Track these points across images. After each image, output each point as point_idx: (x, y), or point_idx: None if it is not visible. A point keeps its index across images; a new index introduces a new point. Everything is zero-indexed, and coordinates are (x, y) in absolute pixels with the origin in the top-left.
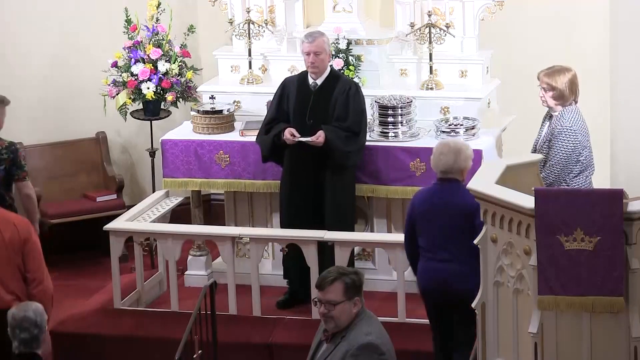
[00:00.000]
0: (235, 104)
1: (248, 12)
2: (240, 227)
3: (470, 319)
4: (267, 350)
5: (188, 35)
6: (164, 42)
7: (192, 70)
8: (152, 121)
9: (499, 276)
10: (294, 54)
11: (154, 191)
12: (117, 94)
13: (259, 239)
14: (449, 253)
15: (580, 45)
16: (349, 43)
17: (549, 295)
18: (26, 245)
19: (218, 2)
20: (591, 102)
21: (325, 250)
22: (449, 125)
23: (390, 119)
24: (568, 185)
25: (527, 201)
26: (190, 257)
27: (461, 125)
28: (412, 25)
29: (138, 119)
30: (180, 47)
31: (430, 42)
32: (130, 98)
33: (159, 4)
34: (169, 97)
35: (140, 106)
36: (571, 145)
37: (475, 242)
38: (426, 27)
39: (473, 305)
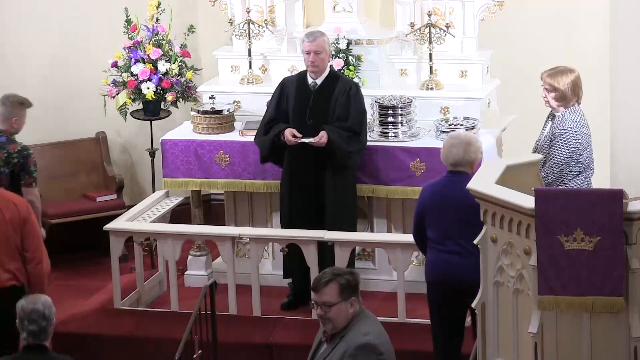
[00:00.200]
0: (235, 104)
1: (248, 12)
2: (240, 227)
3: None
4: (267, 350)
5: (188, 35)
6: (164, 42)
7: (192, 70)
8: (152, 121)
9: (499, 276)
10: (294, 54)
11: (154, 191)
12: (117, 94)
13: (259, 239)
14: (458, 245)
15: (580, 45)
16: (349, 43)
17: (549, 295)
18: (26, 225)
19: (218, 2)
20: (591, 102)
21: (326, 250)
22: (449, 125)
23: (390, 119)
24: (566, 186)
25: (527, 201)
26: (190, 257)
27: (461, 125)
28: (412, 25)
29: (138, 119)
30: (180, 47)
31: (430, 42)
32: (130, 98)
33: (159, 4)
34: (169, 97)
35: (140, 106)
36: (571, 146)
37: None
38: (426, 27)
39: (473, 305)
